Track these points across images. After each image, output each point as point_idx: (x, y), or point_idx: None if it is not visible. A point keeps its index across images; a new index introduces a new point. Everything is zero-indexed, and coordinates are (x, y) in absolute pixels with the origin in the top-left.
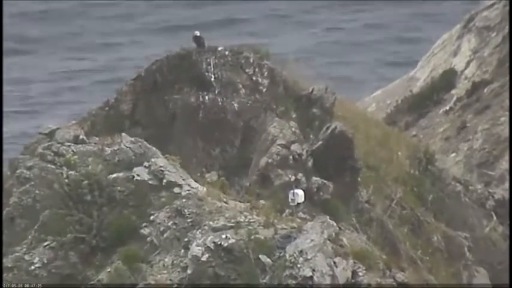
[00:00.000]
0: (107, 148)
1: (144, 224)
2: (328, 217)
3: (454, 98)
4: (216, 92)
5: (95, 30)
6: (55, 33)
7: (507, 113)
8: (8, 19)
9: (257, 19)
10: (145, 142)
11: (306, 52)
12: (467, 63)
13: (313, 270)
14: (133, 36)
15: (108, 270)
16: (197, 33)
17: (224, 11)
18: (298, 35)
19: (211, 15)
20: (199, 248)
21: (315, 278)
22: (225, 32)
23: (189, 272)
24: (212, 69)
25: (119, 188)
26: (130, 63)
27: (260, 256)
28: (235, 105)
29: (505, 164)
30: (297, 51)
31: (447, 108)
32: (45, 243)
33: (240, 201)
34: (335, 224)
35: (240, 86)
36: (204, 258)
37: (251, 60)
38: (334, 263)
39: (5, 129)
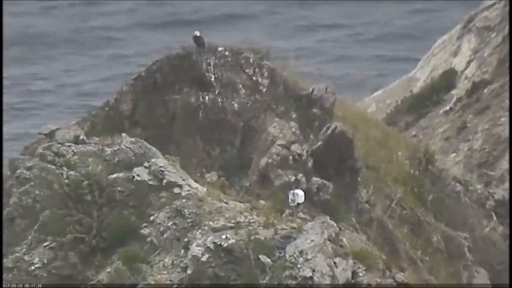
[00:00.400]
0: (107, 148)
1: (144, 225)
2: (328, 217)
3: (454, 98)
4: (216, 92)
5: (96, 26)
6: (56, 30)
7: (507, 113)
8: (9, 16)
9: (257, 16)
10: (145, 142)
11: (306, 50)
12: (468, 64)
13: (313, 270)
14: (136, 32)
15: (108, 270)
16: (197, 33)
17: (225, 7)
18: (299, 33)
19: (212, 11)
20: (199, 248)
21: (315, 278)
22: (226, 28)
23: (189, 272)
24: (212, 69)
25: (119, 188)
26: (133, 60)
27: (260, 256)
28: (235, 105)
29: (505, 164)
30: (298, 49)
31: (447, 108)
32: (45, 244)
33: (240, 202)
34: (335, 224)
35: (240, 86)
36: (204, 259)
37: (251, 61)
38: (334, 263)
39: (5, 129)
